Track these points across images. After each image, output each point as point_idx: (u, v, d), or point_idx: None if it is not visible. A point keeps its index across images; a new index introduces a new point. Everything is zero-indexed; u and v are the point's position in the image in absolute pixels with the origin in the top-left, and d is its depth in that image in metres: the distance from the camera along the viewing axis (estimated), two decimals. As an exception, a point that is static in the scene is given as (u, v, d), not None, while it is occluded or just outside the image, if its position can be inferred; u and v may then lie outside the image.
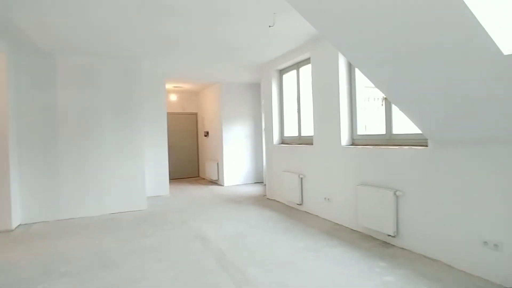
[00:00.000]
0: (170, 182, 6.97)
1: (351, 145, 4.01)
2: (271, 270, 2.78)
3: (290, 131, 5.52)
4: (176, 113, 8.92)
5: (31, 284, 2.65)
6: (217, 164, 7.80)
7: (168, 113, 8.08)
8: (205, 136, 8.67)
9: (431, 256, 2.91)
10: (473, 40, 1.67)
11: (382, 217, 3.29)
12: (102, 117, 5.00)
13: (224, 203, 5.64)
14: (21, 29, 3.63)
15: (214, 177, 7.92)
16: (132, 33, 3.91)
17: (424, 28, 1.80)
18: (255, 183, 7.85)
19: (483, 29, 1.57)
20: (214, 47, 4.63)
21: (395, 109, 3.36)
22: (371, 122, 4.19)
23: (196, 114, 9.32)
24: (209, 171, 8.26)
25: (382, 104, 3.58)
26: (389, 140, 3.50)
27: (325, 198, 4.33)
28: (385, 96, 3.34)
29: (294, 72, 5.27)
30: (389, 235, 3.27)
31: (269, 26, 3.70)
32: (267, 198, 5.90)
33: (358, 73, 3.89)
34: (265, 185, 6.96)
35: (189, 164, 9.18)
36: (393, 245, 3.26)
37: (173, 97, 8.80)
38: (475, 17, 1.53)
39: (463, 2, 1.47)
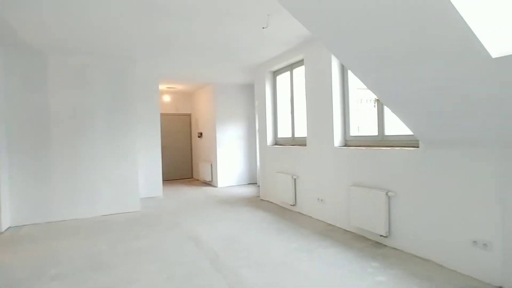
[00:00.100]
0: (163, 183, 6.94)
1: (344, 146, 4.04)
2: (264, 271, 2.78)
3: (284, 132, 5.54)
4: (170, 114, 8.88)
5: (21, 287, 2.61)
6: (211, 165, 7.78)
7: (162, 114, 8.04)
8: (199, 137, 8.65)
9: (423, 256, 2.95)
10: (465, 44, 1.71)
11: (375, 218, 3.33)
12: (94, 118, 4.95)
13: (217, 204, 5.63)
14: (12, 28, 3.58)
15: (208, 178, 7.90)
16: (126, 33, 3.89)
17: (417, 31, 1.83)
18: (248, 184, 7.85)
19: (473, 32, 1.60)
20: (209, 48, 4.63)
21: (387, 110, 3.40)
22: (363, 124, 4.24)
23: (189, 115, 9.29)
24: (203, 172, 8.23)
25: (374, 106, 3.62)
26: (381, 141, 3.54)
27: (318, 199, 4.36)
28: (377, 98, 3.38)
29: (287, 73, 5.30)
30: (381, 236, 3.31)
31: (263, 28, 3.72)
32: (261, 199, 5.91)
33: (350, 75, 3.93)
34: (258, 186, 6.97)
35: (183, 165, 9.14)
36: (385, 245, 3.30)
37: (166, 98, 8.76)
38: (465, 22, 1.56)
39: (454, 7, 1.50)
